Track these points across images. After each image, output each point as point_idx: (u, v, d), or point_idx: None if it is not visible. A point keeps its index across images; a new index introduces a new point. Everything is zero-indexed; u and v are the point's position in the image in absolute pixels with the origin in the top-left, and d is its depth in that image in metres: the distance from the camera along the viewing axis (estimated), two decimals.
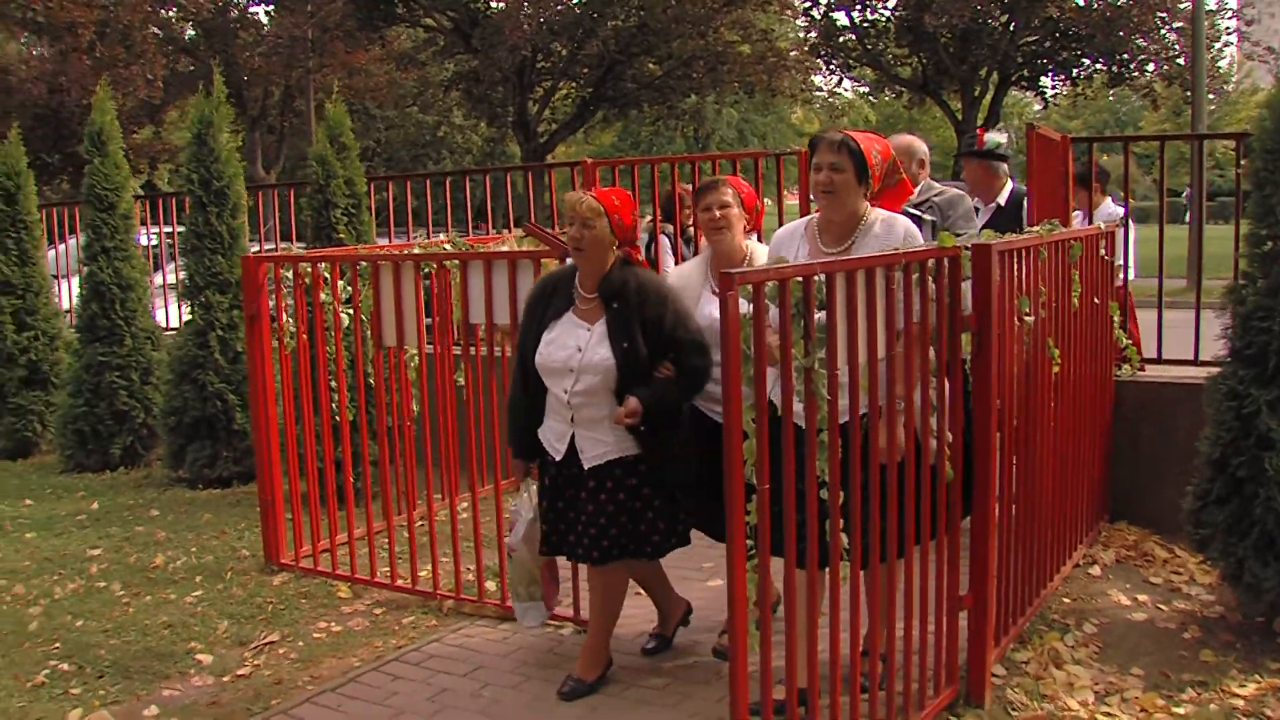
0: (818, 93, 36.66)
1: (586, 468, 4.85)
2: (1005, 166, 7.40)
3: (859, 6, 30.51)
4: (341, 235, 8.69)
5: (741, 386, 3.45)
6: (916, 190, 5.91)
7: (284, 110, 34.35)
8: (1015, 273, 4.80)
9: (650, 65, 30.99)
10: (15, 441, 10.74)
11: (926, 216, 5.89)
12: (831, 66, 33.37)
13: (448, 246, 7.01)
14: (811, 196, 4.73)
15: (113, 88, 25.80)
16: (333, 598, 6.30)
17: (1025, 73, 30.77)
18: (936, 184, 6.38)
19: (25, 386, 10.71)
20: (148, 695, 5.18)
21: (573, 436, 4.87)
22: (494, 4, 30.07)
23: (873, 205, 4.61)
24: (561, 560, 5.22)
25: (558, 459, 4.93)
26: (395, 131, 41.93)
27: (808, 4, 30.98)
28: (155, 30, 28.90)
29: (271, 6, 31.19)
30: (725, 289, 3.34)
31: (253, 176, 28.75)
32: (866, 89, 38.10)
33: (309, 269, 6.50)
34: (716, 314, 4.47)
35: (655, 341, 4.80)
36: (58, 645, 5.80)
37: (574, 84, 32.34)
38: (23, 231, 10.85)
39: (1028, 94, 37.75)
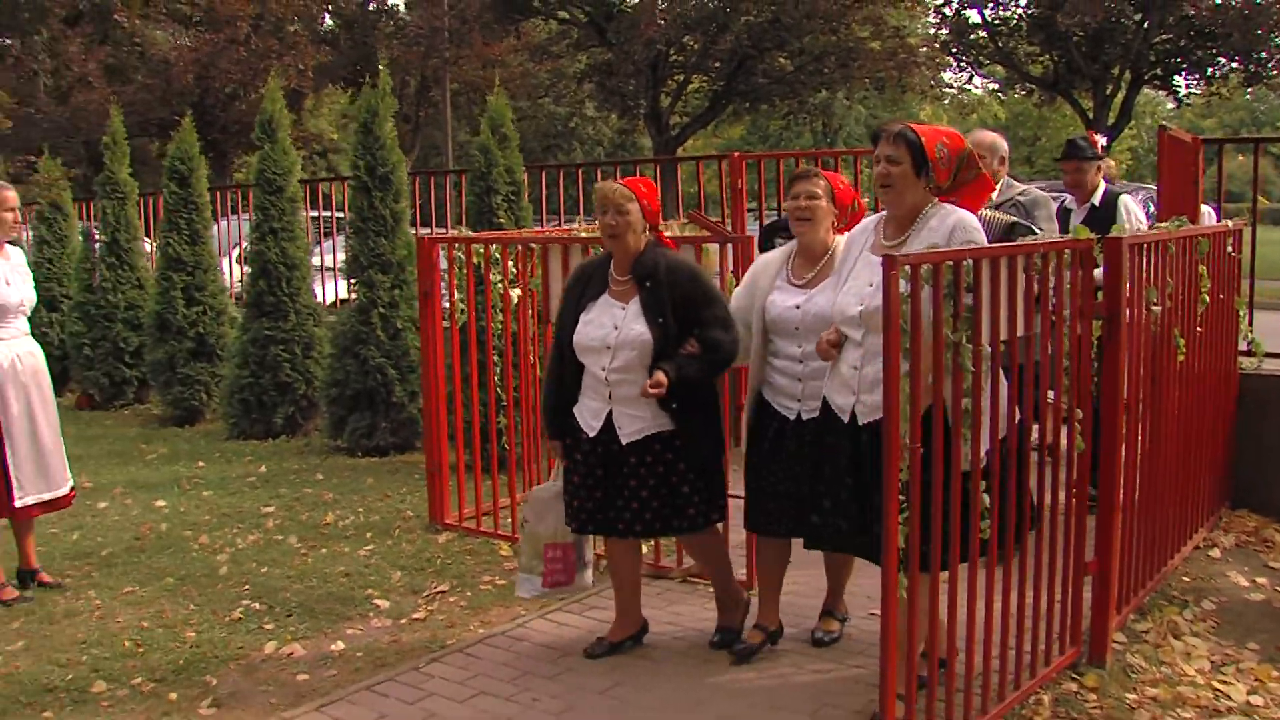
0: (947, 89, 36.69)
1: (625, 443, 5.03)
2: (1099, 165, 7.36)
3: (991, 4, 30.53)
4: (501, 220, 9.21)
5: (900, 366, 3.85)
6: (997, 189, 6.11)
7: (419, 101, 35.24)
8: (1144, 265, 5.13)
9: (781, 60, 31.29)
10: (183, 409, 11.46)
11: (1000, 216, 5.76)
12: (962, 63, 33.41)
13: None
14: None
15: (263, 79, 26.80)
16: (495, 555, 6.79)
17: (1159, 71, 30.57)
18: (1019, 183, 6.53)
19: (193, 358, 11.42)
20: (333, 633, 5.71)
21: (610, 413, 5.05)
22: None
23: (947, 201, 4.57)
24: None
25: (592, 435, 5.09)
26: (528, 123, 42.70)
27: (939, 1, 31.07)
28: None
29: None
30: (888, 269, 3.74)
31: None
32: (996, 86, 38.00)
33: (480, 250, 7.02)
34: (786, 302, 5.03)
35: (684, 318, 4.99)
36: (247, 588, 6.38)
37: (706, 78, 32.75)
38: (194, 212, 11.56)
39: (1161, 93, 37.42)
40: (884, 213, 4.70)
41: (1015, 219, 5.70)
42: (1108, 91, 29.77)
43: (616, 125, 42.39)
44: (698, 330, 4.99)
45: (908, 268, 3.85)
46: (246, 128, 25.25)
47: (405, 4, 34.14)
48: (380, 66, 9.81)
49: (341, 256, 10.42)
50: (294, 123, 31.12)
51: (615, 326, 5.02)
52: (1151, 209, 9.89)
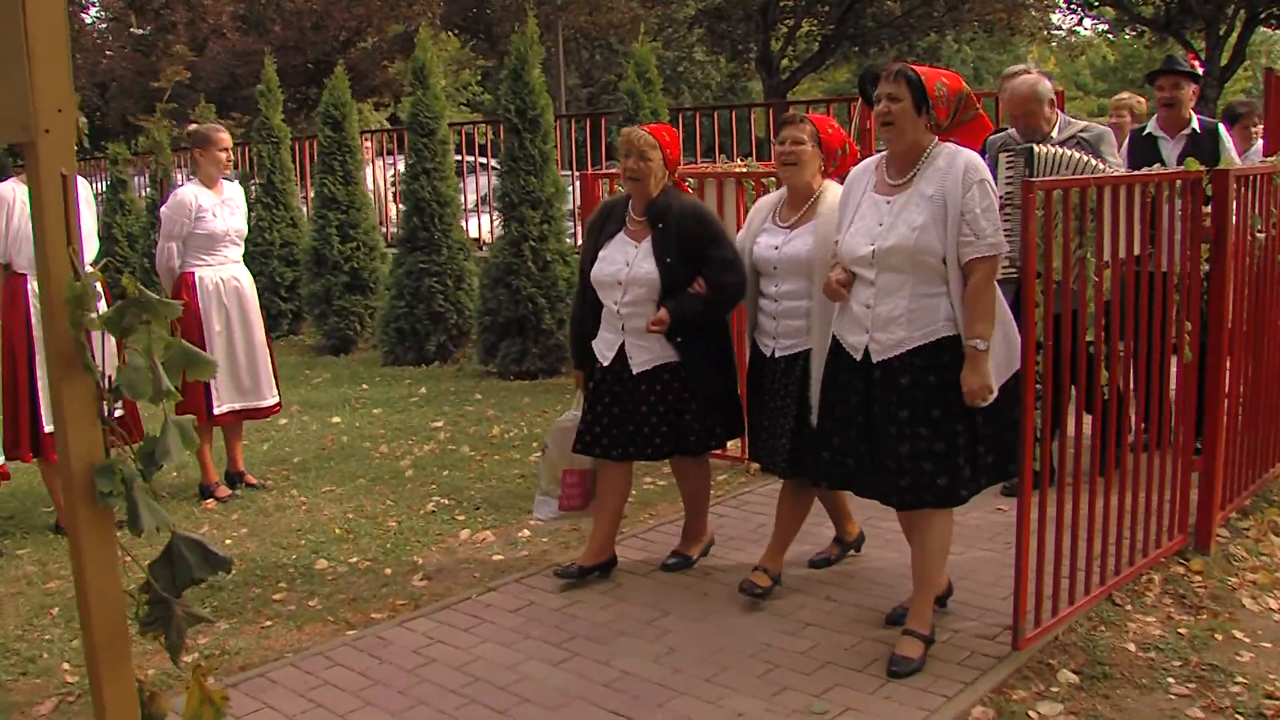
0: (1056, 31, 36.62)
1: (635, 372, 5.31)
2: (1196, 89, 7.18)
3: None
4: None
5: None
6: (1056, 127, 6.20)
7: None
8: (1249, 195, 5.70)
9: (890, 3, 31.47)
10: (337, 339, 12.35)
11: (1071, 153, 5.92)
12: (1072, 5, 33.32)
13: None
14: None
15: (376, 26, 27.59)
16: (653, 465, 7.50)
17: (1275, 10, 30.23)
18: (1077, 120, 6.46)
19: (348, 291, 12.28)
20: (518, 524, 6.47)
21: (622, 345, 5.34)
22: None
23: (947, 140, 4.60)
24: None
25: (606, 364, 5.38)
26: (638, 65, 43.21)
27: None
28: None
29: None
30: (1026, 193, 4.39)
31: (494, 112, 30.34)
32: (1106, 27, 37.82)
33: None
34: (768, 243, 5.18)
35: (693, 258, 5.22)
36: (434, 486, 7.19)
37: (816, 21, 33.01)
38: (347, 155, 12.38)
39: (1277, 32, 36.97)
40: (883, 153, 4.74)
41: (1079, 155, 5.93)
42: (1221, 31, 29.55)
43: (726, 69, 42.74)
44: (704, 270, 5.22)
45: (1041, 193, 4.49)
46: (359, 75, 26.09)
47: None
48: (529, 16, 10.40)
49: (473, 198, 11.16)
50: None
51: (627, 264, 5.30)
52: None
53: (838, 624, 4.97)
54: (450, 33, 36.20)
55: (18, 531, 6.73)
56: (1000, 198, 5.41)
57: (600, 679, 4.54)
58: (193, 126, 7.54)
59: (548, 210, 10.12)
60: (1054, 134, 6.04)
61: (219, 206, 7.20)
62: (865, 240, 4.54)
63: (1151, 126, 7.09)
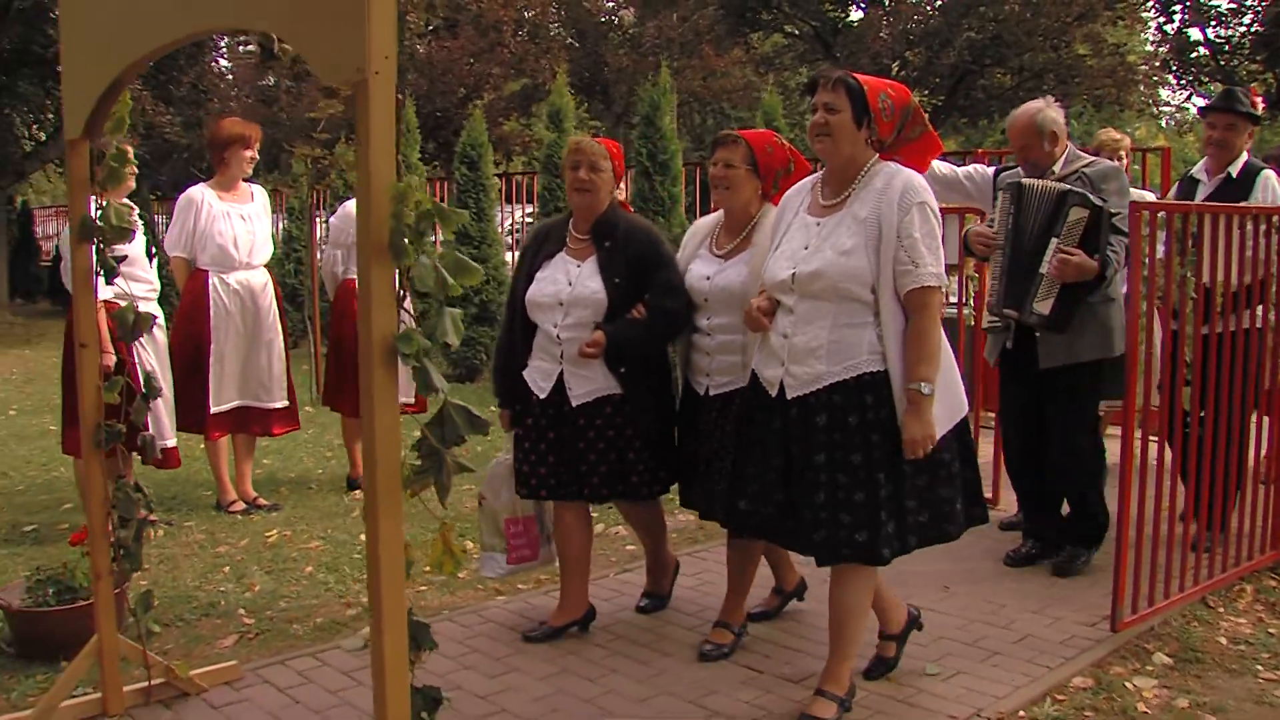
0: (1164, 108, 36.74)
1: (575, 404, 4.84)
2: (1252, 132, 6.34)
3: (1214, 22, 30.58)
4: None
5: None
6: (1060, 161, 5.73)
7: None
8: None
9: (1001, 76, 31.82)
10: (466, 367, 12.94)
11: (1051, 185, 5.57)
12: (1182, 81, 33.46)
13: None
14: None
15: (493, 85, 28.36)
16: None
17: None
18: (1085, 154, 5.93)
19: (476, 322, 12.88)
20: None
21: (561, 374, 4.85)
22: (855, 13, 31.46)
23: (890, 159, 4.22)
24: None
25: (543, 397, 4.90)
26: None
27: (1161, 19, 31.24)
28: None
29: (635, 10, 33.46)
30: (1133, 213, 4.83)
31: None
32: None
33: None
34: (700, 272, 4.82)
35: (639, 281, 4.81)
36: None
37: (927, 92, 33.43)
38: (481, 193, 13.03)
39: None
40: (819, 173, 4.36)
41: (1068, 187, 5.49)
42: None
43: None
44: (648, 294, 4.82)
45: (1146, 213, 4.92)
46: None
47: (635, 16, 35.61)
48: (663, 68, 11.00)
49: None
50: (524, 127, 32.92)
51: (569, 283, 4.84)
52: None
53: (952, 607, 5.39)
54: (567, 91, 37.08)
55: (184, 508, 7.34)
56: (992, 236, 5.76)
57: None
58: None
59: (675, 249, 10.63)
60: (1056, 168, 5.72)
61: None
62: (787, 264, 4.16)
63: (1197, 168, 6.48)
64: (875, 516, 4.00)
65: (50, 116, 24.51)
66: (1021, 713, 4.30)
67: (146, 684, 4.45)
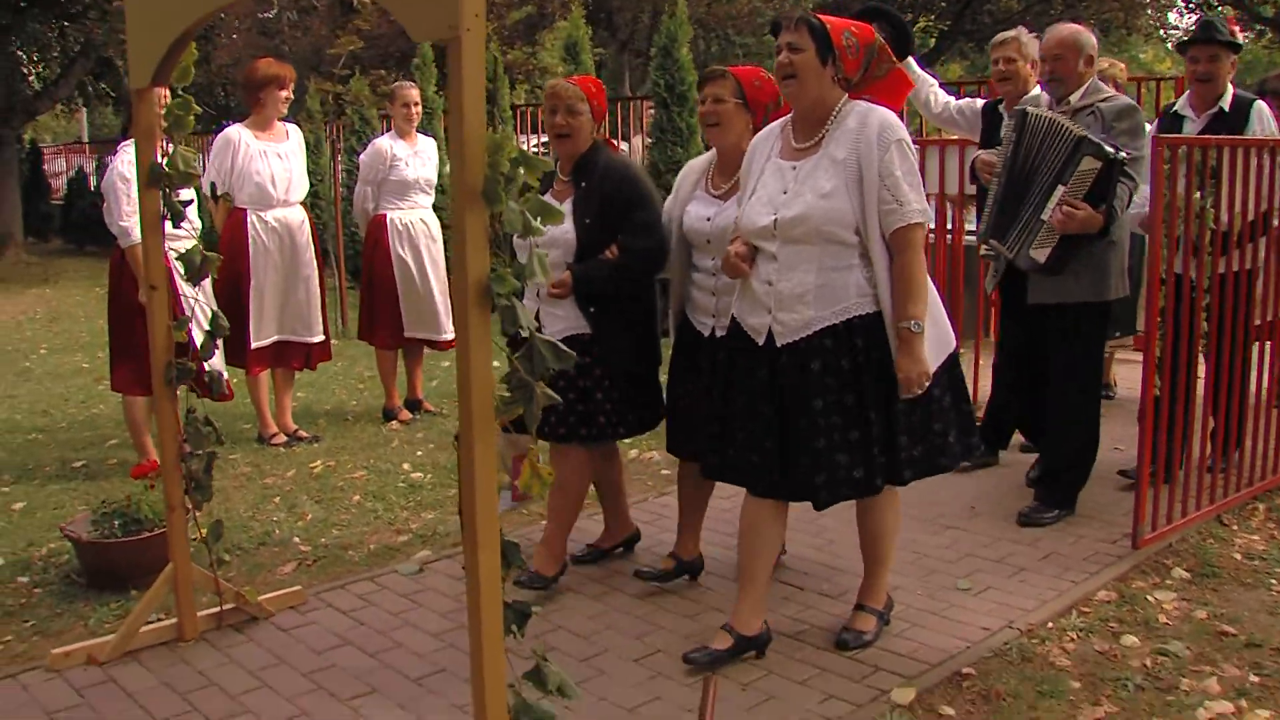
0: (1173, 30, 36.59)
1: None
2: (1234, 61, 6.10)
3: None
4: None
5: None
6: (1080, 92, 5.59)
7: (651, 34, 36.56)
8: None
9: (1008, 1, 31.72)
10: None
11: (1068, 125, 5.34)
12: (1190, 4, 33.32)
13: None
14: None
15: (496, 13, 28.31)
16: None
17: None
18: (1106, 88, 5.71)
19: None
20: None
21: (538, 312, 4.84)
22: None
23: (859, 98, 4.15)
24: None
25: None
26: (753, 59, 43.79)
27: None
28: None
29: None
30: (1155, 147, 4.99)
31: (618, 94, 31.07)
32: None
33: None
34: (699, 213, 4.69)
35: (613, 221, 4.75)
36: None
37: (933, 17, 33.30)
38: (498, 126, 13.15)
39: None
40: (789, 116, 4.26)
41: (1084, 133, 5.25)
42: None
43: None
44: (620, 234, 4.75)
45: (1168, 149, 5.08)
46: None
47: None
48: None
49: None
50: (529, 55, 32.93)
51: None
52: None
53: (979, 526, 5.62)
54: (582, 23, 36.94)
55: (228, 442, 7.52)
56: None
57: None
58: (395, 85, 8.37)
59: None
60: (1073, 98, 5.58)
61: (411, 156, 8.00)
62: (767, 210, 4.09)
63: (1180, 104, 6.24)
64: (869, 452, 4.05)
65: (56, 55, 24.54)
66: (1050, 624, 4.54)
67: (218, 609, 4.69)
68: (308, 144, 8.13)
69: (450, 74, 2.65)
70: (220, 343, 7.05)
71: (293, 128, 7.56)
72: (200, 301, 5.91)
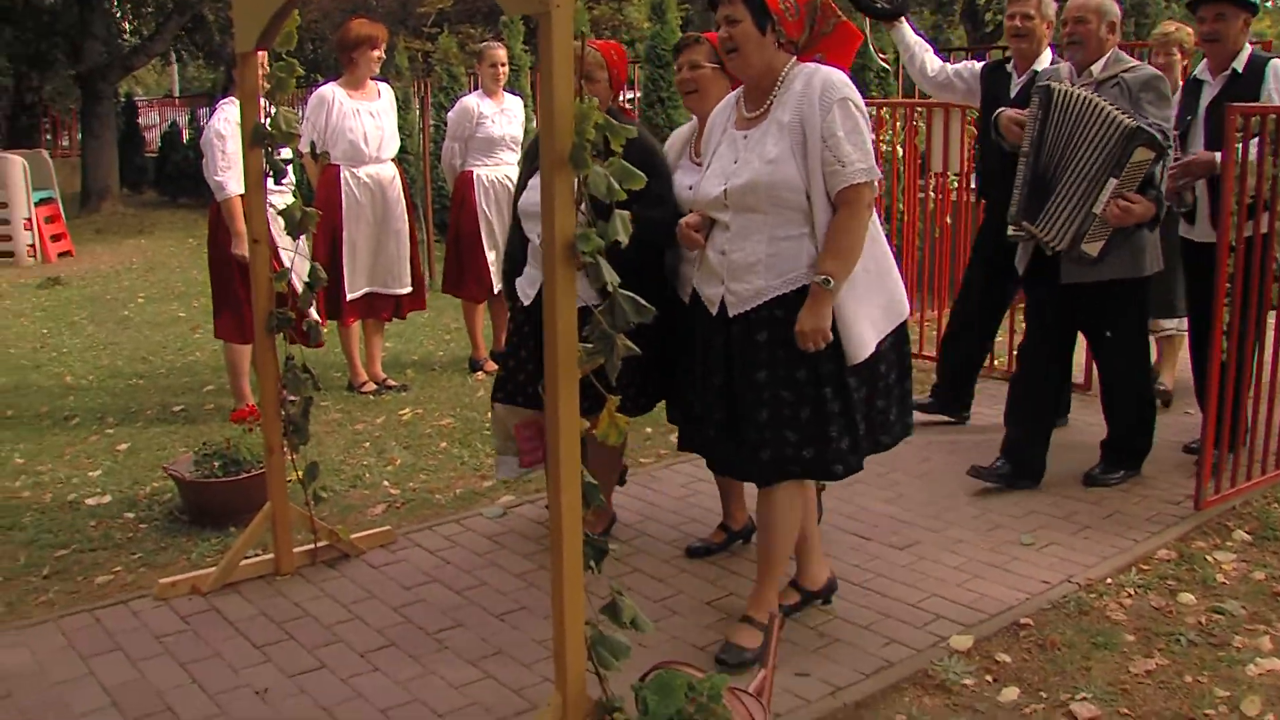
0: None
1: None
2: (1246, 19, 5.79)
3: None
4: (874, 93, 10.68)
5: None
6: (1102, 62, 5.46)
7: None
8: None
9: None
10: None
11: (1117, 114, 5.11)
12: None
13: None
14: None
15: None
16: None
17: None
18: (1128, 58, 5.54)
19: None
20: None
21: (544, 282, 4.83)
22: None
23: (809, 60, 4.04)
24: None
25: (527, 304, 4.80)
26: (845, 14, 43.38)
27: None
28: None
29: None
30: (1230, 115, 5.06)
31: None
32: None
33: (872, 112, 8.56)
34: (682, 182, 4.57)
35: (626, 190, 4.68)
36: None
37: None
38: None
39: None
40: (741, 88, 4.19)
41: (1136, 123, 5.07)
42: None
43: (929, 20, 42.75)
44: (632, 203, 4.88)
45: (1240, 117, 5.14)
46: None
47: None
48: None
49: None
50: (615, 10, 32.98)
51: None
52: None
53: (1043, 485, 5.76)
54: None
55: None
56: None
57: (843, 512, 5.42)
58: (481, 45, 8.60)
59: None
60: (1095, 69, 5.45)
61: (498, 114, 8.22)
62: (719, 180, 4.03)
63: (1199, 68, 6.00)
64: (824, 431, 3.94)
65: (151, 12, 24.98)
66: (1109, 580, 4.69)
67: (313, 546, 4.97)
68: (397, 100, 8.35)
69: (540, 47, 2.84)
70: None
71: (384, 86, 7.79)
72: (297, 254, 6.16)
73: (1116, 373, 5.76)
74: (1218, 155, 5.45)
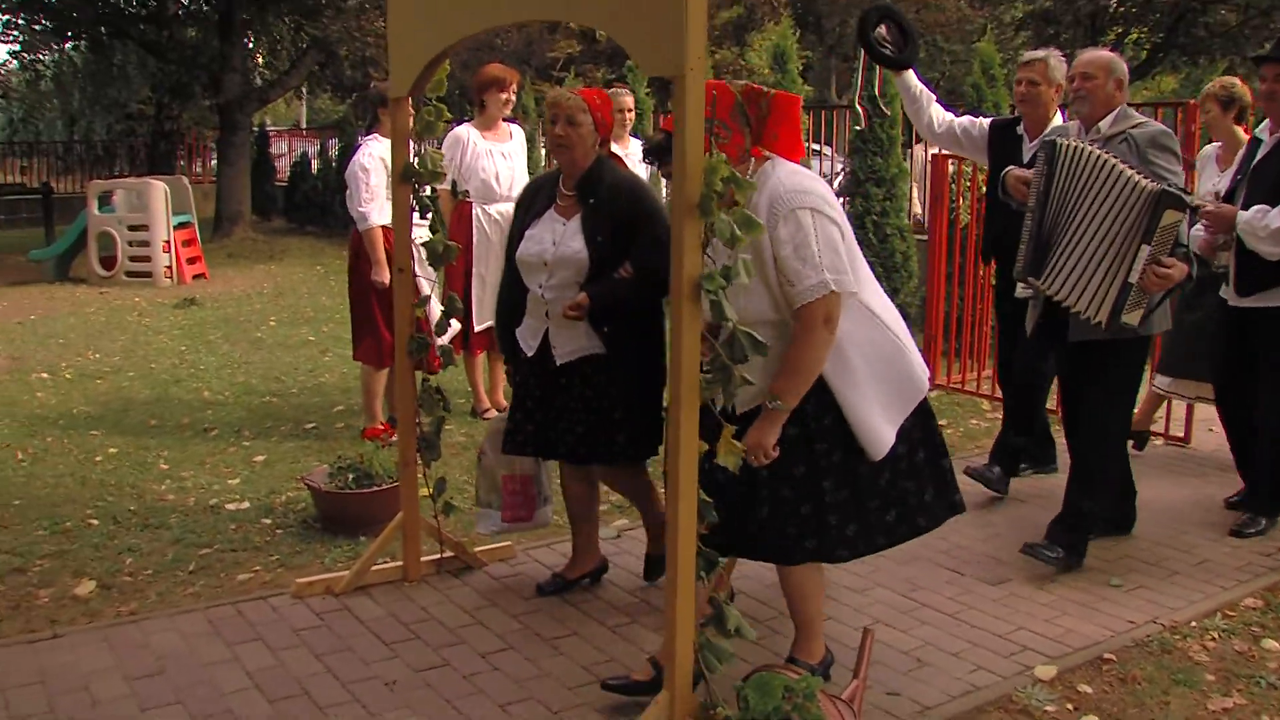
0: None
1: (559, 363, 4.75)
2: None
3: None
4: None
5: None
6: (1110, 118, 5.37)
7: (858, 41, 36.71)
8: None
9: (1226, 12, 31.06)
10: None
11: (1139, 179, 4.94)
12: None
13: None
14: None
15: (711, 8, 28.81)
16: (978, 408, 8.65)
17: None
18: (1136, 114, 5.44)
19: None
20: None
21: (546, 332, 4.77)
22: None
23: (767, 148, 3.93)
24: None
25: (530, 355, 4.85)
26: (960, 65, 43.58)
27: None
28: None
29: None
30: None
31: (825, 100, 31.38)
32: None
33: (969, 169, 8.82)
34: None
35: (625, 238, 4.67)
36: None
37: (1145, 30, 32.77)
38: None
39: None
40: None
41: (1161, 187, 4.91)
42: None
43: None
44: (632, 251, 4.68)
45: None
46: None
47: None
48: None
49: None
50: (736, 55, 33.36)
51: (554, 242, 4.72)
52: None
53: (1137, 532, 5.94)
54: (774, 23, 37.35)
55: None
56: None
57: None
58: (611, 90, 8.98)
59: (890, 189, 11.14)
60: (1103, 125, 5.37)
61: (625, 158, 8.55)
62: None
63: (1261, 126, 5.91)
64: (824, 522, 3.91)
65: (287, 50, 25.89)
66: (1194, 623, 4.88)
67: (439, 556, 5.33)
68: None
69: (675, 106, 3.17)
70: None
71: (515, 128, 8.18)
72: (432, 283, 6.55)
73: (1092, 434, 5.51)
74: (1240, 212, 5.54)
